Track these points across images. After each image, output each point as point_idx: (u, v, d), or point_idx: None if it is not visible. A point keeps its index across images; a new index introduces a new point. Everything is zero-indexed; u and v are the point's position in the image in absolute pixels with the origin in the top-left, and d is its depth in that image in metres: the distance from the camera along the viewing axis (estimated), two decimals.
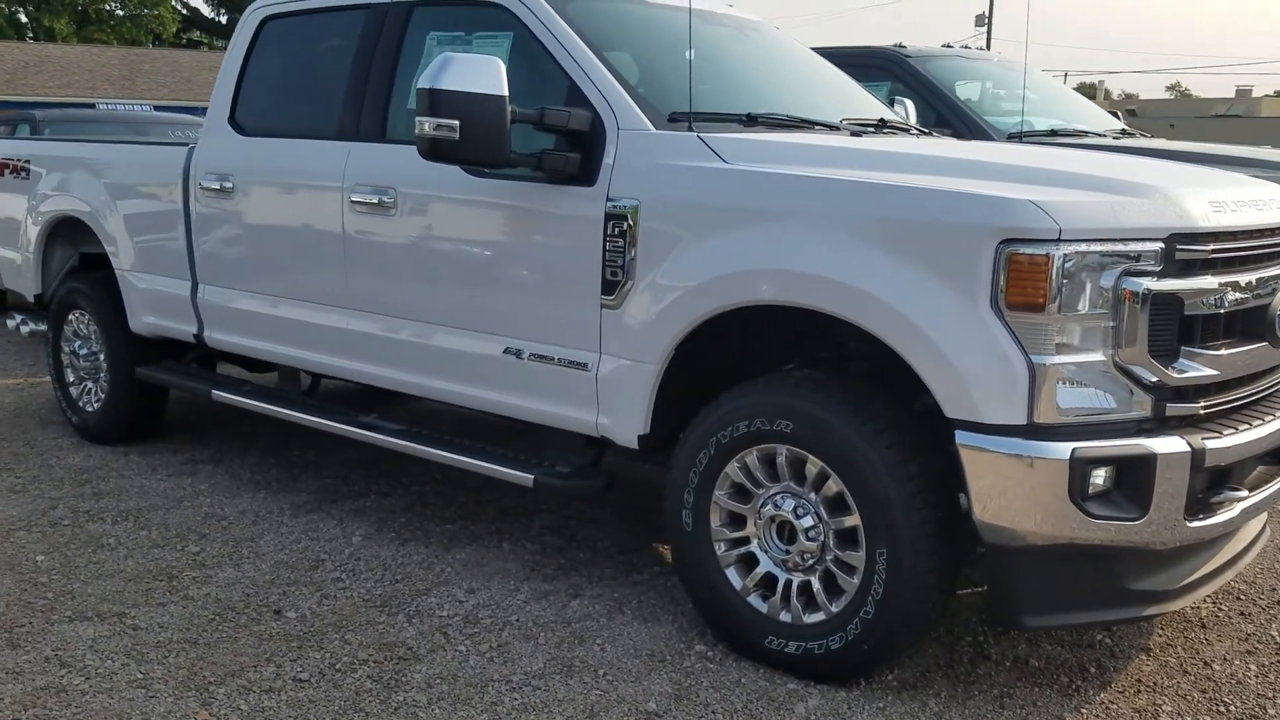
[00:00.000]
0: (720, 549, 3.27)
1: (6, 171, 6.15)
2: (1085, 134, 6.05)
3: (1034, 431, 2.67)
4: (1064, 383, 2.67)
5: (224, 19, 50.72)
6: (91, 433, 5.69)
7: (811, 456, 3.02)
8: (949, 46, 6.69)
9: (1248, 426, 2.90)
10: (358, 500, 4.84)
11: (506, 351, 3.74)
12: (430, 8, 4.07)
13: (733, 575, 3.26)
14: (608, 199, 3.39)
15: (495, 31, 3.84)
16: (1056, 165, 3.11)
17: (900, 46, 6.38)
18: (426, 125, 3.29)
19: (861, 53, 5.97)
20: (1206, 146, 5.80)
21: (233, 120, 4.69)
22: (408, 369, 4.09)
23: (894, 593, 2.88)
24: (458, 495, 4.89)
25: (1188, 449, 2.71)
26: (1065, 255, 2.63)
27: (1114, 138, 6.19)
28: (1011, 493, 2.68)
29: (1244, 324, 2.98)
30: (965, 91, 6.44)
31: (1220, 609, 3.69)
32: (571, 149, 3.47)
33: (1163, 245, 2.73)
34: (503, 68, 3.29)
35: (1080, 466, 2.63)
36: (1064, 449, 2.63)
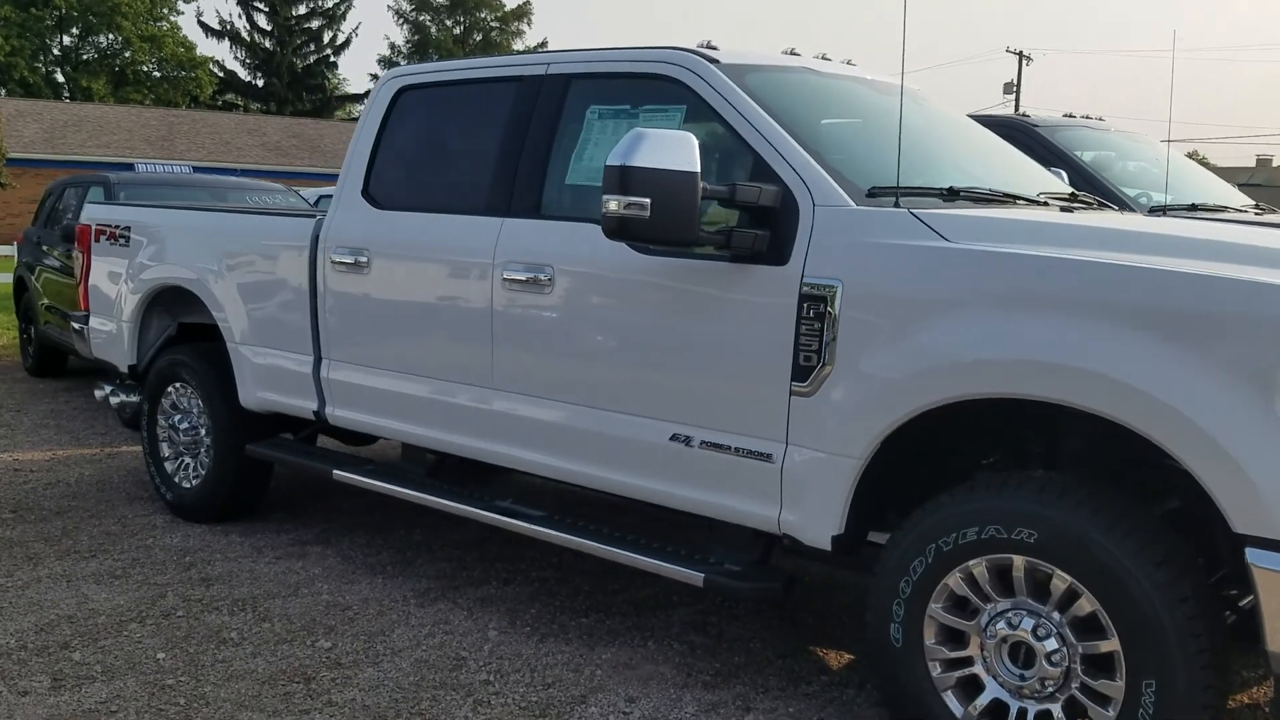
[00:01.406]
0: (936, 670, 2.92)
1: (103, 238, 5.95)
2: (1225, 209, 5.76)
3: None
4: None
5: (260, 82, 51.53)
6: (187, 510, 5.40)
7: (1059, 571, 2.68)
8: (1070, 116, 6.44)
9: None
10: (480, 587, 4.51)
11: (674, 439, 3.43)
12: (590, 80, 3.83)
13: (951, 700, 2.89)
14: (803, 279, 3.11)
15: (666, 104, 3.60)
16: None
17: (1024, 115, 6.13)
18: (614, 204, 3.04)
19: (988, 122, 5.71)
20: None
21: (366, 193, 4.45)
22: (556, 452, 3.78)
23: None
24: (581, 583, 4.56)
25: None
26: None
27: (1256, 212, 5.89)
28: None
29: None
30: (1094, 162, 6.18)
31: None
32: (759, 226, 3.21)
33: None
34: (695, 144, 3.04)
35: None
36: None
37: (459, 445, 4.13)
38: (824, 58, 4.11)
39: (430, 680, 3.58)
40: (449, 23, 54.24)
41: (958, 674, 2.89)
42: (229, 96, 52.61)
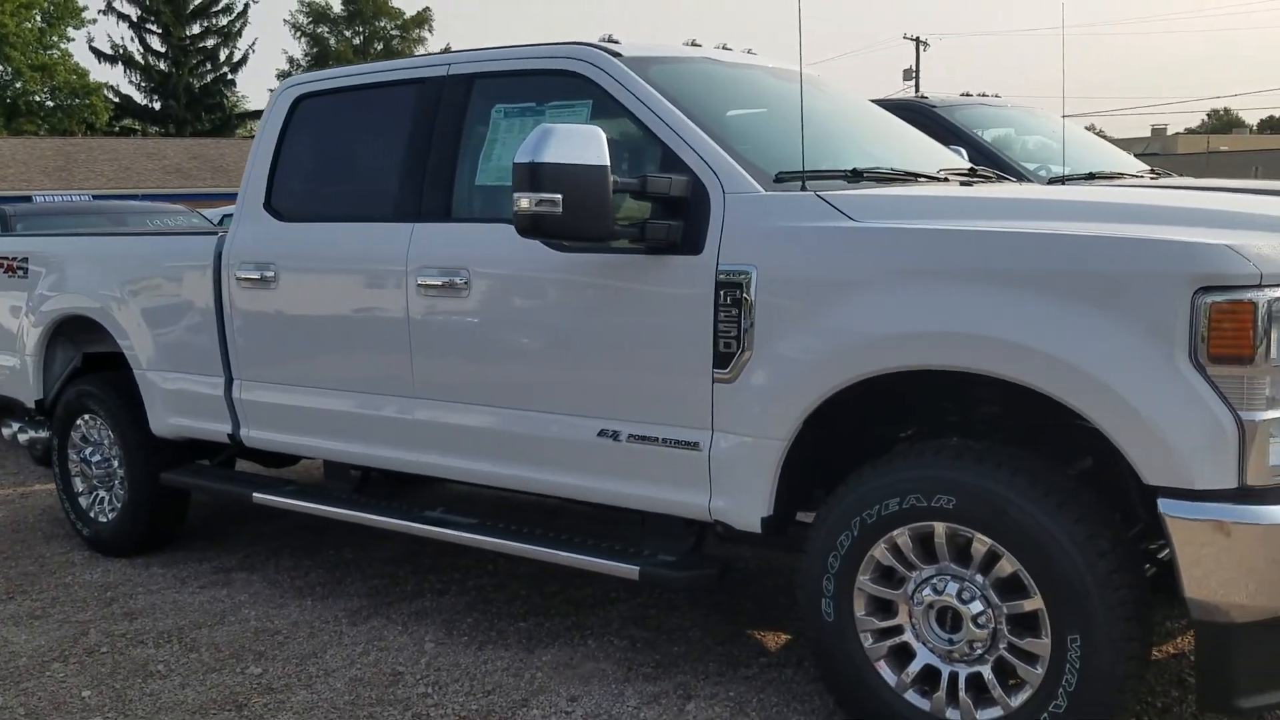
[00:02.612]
0: (868, 641, 2.96)
1: (0, 271, 5.73)
2: (1121, 176, 5.95)
3: (1245, 495, 2.42)
4: (1275, 439, 2.43)
5: (157, 105, 50.21)
6: (105, 545, 5.23)
7: (979, 535, 2.74)
8: (968, 95, 6.59)
9: None
10: (414, 601, 4.45)
11: (602, 434, 3.43)
12: (493, 79, 3.81)
13: (885, 670, 2.94)
14: (717, 267, 3.13)
15: (572, 100, 3.59)
16: (1223, 206, 2.92)
17: (923, 97, 6.26)
18: (525, 201, 3.03)
19: (888, 105, 5.82)
20: (1246, 183, 5.73)
21: (269, 206, 4.36)
22: (484, 457, 3.75)
23: (1092, 682, 2.59)
24: (518, 588, 4.53)
25: None
26: (1269, 301, 2.41)
27: (1150, 177, 6.10)
28: (1223, 564, 2.42)
29: None
30: (992, 138, 6.33)
31: None
32: (673, 217, 3.22)
33: None
34: (604, 137, 3.05)
35: None
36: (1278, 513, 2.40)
37: (382, 458, 4.07)
38: (724, 48, 4.15)
39: (366, 698, 3.52)
40: (348, 33, 53.50)
41: (889, 643, 2.94)
42: (126, 121, 51.14)
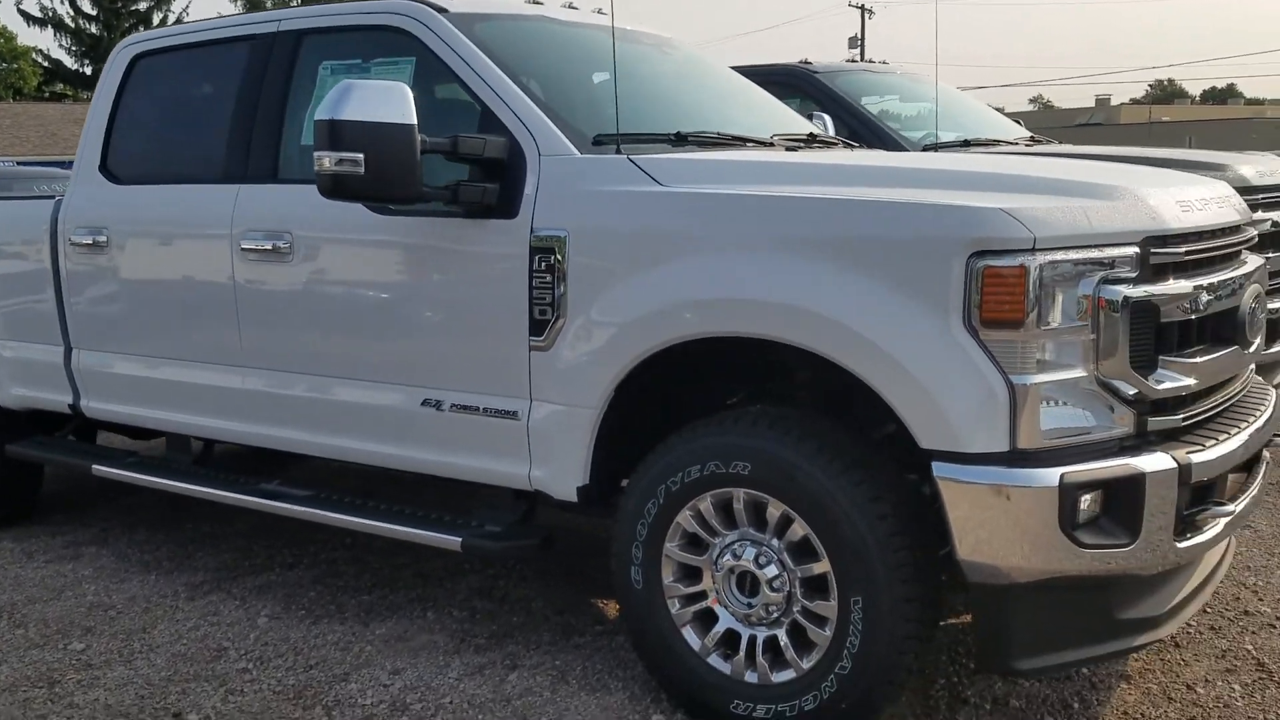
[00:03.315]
0: (675, 606, 2.98)
1: None
2: (998, 143, 6.01)
3: (1017, 458, 2.46)
4: (1046, 402, 2.46)
5: (88, 70, 48.81)
6: None
7: (773, 500, 2.76)
8: (854, 61, 6.61)
9: (1226, 436, 2.75)
10: (261, 575, 4.40)
11: (425, 404, 3.40)
12: (321, 35, 3.73)
13: (690, 635, 2.96)
14: (531, 231, 3.10)
15: (396, 57, 3.53)
16: (1015, 170, 2.94)
17: (806, 63, 6.26)
18: (327, 160, 2.96)
19: (767, 70, 5.81)
20: (1124, 149, 5.81)
21: (104, 168, 4.24)
22: (311, 428, 3.71)
23: (873, 644, 2.63)
24: (372, 561, 4.49)
25: (1174, 465, 2.53)
26: (1042, 265, 2.44)
27: (1026, 145, 6.16)
28: (997, 527, 2.46)
29: (1215, 328, 2.85)
30: (874, 105, 6.36)
31: (1190, 626, 3.55)
32: (489, 179, 3.18)
33: (1137, 249, 2.57)
34: (409, 94, 2.99)
35: (1070, 493, 2.42)
36: (1051, 475, 2.43)
37: (214, 429, 4.01)
38: (570, 6, 4.10)
39: (184, 674, 3.47)
40: None
41: (694, 608, 2.97)
42: (57, 86, 49.64)
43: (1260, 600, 3.73)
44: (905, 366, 2.50)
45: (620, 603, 3.11)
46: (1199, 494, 2.70)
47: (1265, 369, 5.33)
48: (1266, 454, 3.28)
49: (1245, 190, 5.22)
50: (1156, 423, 2.61)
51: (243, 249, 3.71)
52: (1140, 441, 2.60)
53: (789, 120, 4.15)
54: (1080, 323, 2.48)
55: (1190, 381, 2.66)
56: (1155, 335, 2.61)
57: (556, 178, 3.11)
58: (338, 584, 4.25)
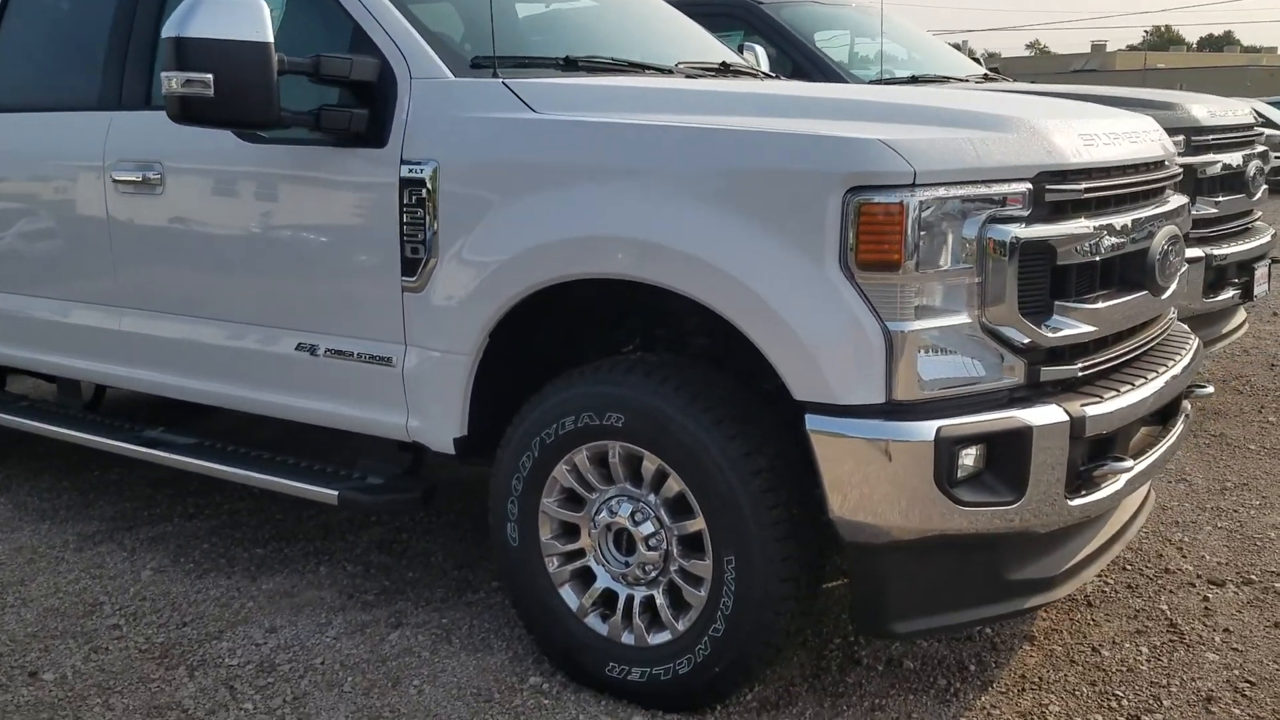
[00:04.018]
0: (553, 565, 2.87)
1: None
2: (948, 79, 5.83)
3: (894, 411, 2.34)
4: (926, 351, 2.34)
5: None
6: None
7: (648, 453, 2.64)
8: None
9: (1130, 387, 2.64)
10: (159, 525, 4.28)
11: (299, 348, 3.26)
12: None
13: (568, 594, 2.86)
14: (402, 161, 2.94)
15: None
16: (907, 100, 2.79)
17: None
18: (174, 81, 2.79)
19: (708, 2, 5.60)
20: (1076, 87, 5.66)
21: None
22: (186, 373, 3.58)
23: (746, 605, 2.53)
24: (274, 511, 4.37)
25: (1065, 418, 2.42)
26: (922, 202, 2.29)
27: (977, 82, 5.99)
28: (871, 483, 2.34)
29: (1121, 272, 2.72)
30: (824, 40, 6.17)
31: (1106, 583, 3.47)
32: (359, 105, 3.01)
33: (1030, 186, 2.42)
34: (266, 9, 2.80)
35: (947, 448, 2.30)
36: (928, 429, 2.30)
37: (92, 372, 3.88)
38: None
39: (51, 629, 3.36)
40: None
41: (572, 567, 2.86)
42: None
43: (1183, 558, 3.66)
44: (776, 310, 2.37)
45: (497, 561, 3.00)
46: (1099, 448, 2.60)
47: (1214, 318, 5.26)
48: (1187, 405, 3.18)
49: (1196, 131, 5.11)
50: (1051, 373, 2.49)
51: (114, 180, 3.55)
52: (1033, 393, 2.48)
53: (704, 48, 3.96)
54: (965, 265, 2.35)
55: (1089, 329, 2.54)
56: (1051, 279, 2.48)
57: (428, 103, 2.94)
58: (235, 536, 4.14)
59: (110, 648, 3.24)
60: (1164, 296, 2.85)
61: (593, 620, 2.83)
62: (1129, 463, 2.58)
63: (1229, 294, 5.21)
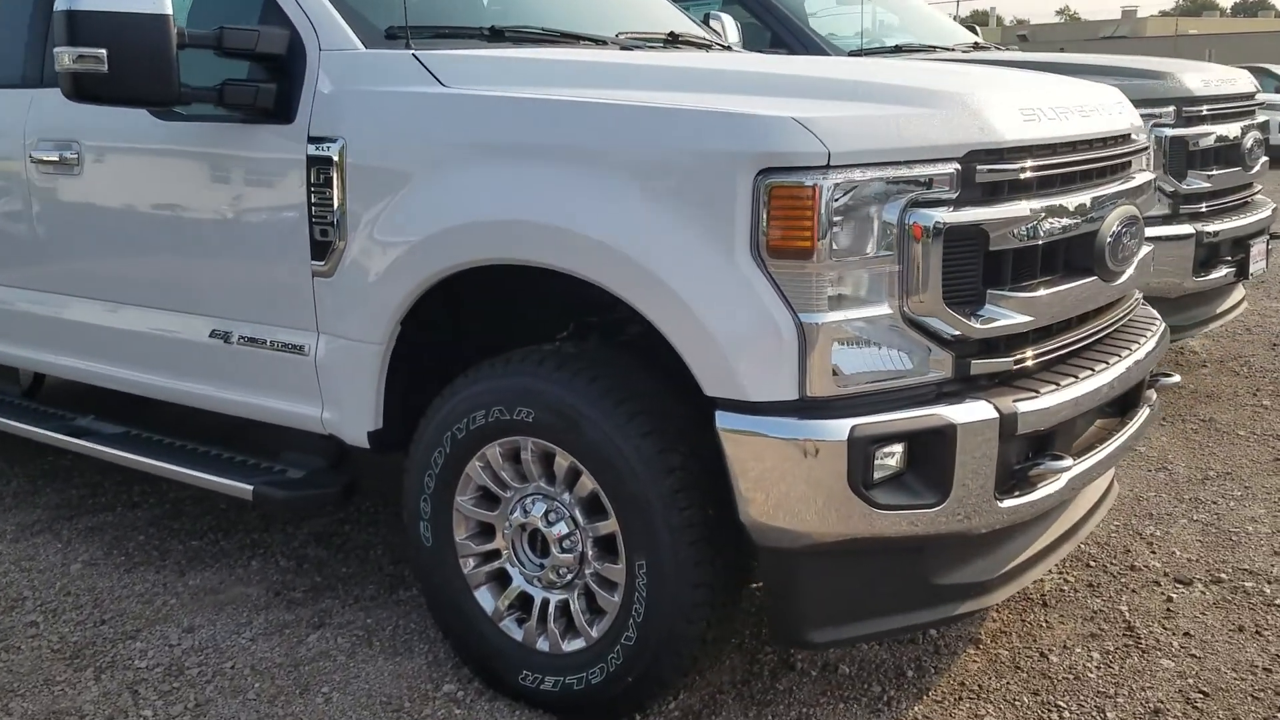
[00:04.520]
0: (468, 566, 2.77)
1: None
2: (934, 49, 5.65)
3: (807, 408, 2.21)
4: (843, 344, 2.21)
5: None
6: None
7: (560, 450, 2.52)
8: None
9: (1073, 380, 2.50)
10: (100, 515, 4.20)
11: (214, 335, 3.16)
12: None
13: (484, 597, 2.76)
14: (309, 139, 2.81)
15: None
16: (835, 75, 2.64)
17: None
18: (67, 57, 2.67)
19: None
20: (1062, 57, 5.47)
21: None
22: (110, 360, 3.49)
23: (657, 612, 2.42)
24: (218, 502, 4.28)
25: (994, 415, 2.28)
26: (837, 185, 2.16)
27: (964, 51, 5.81)
28: (783, 485, 2.22)
29: (1068, 256, 2.58)
30: (812, 7, 6.00)
31: (1067, 580, 3.35)
32: (269, 79, 2.89)
33: (959, 166, 2.28)
34: None
35: (861, 447, 2.18)
36: (841, 427, 2.18)
37: (20, 358, 3.81)
38: None
39: None
40: None
41: (488, 568, 2.76)
42: None
43: (1152, 553, 3.53)
44: (684, 301, 2.24)
45: (411, 561, 2.90)
46: (1036, 445, 2.47)
47: (1207, 297, 5.10)
48: (1152, 394, 3.04)
49: (1189, 101, 4.93)
50: (982, 365, 2.36)
51: (34, 159, 3.46)
52: (965, 387, 2.35)
53: (654, 18, 3.80)
54: (885, 253, 2.22)
55: (1025, 319, 2.40)
56: (985, 265, 2.34)
57: (336, 76, 2.82)
58: (173, 527, 4.06)
59: (23, 647, 3.16)
60: (1118, 282, 2.71)
61: (508, 625, 2.72)
62: (1067, 461, 2.45)
63: (1222, 272, 5.04)
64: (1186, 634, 3.00)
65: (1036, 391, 2.39)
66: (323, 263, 2.84)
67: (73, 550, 3.86)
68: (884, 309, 2.23)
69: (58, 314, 3.57)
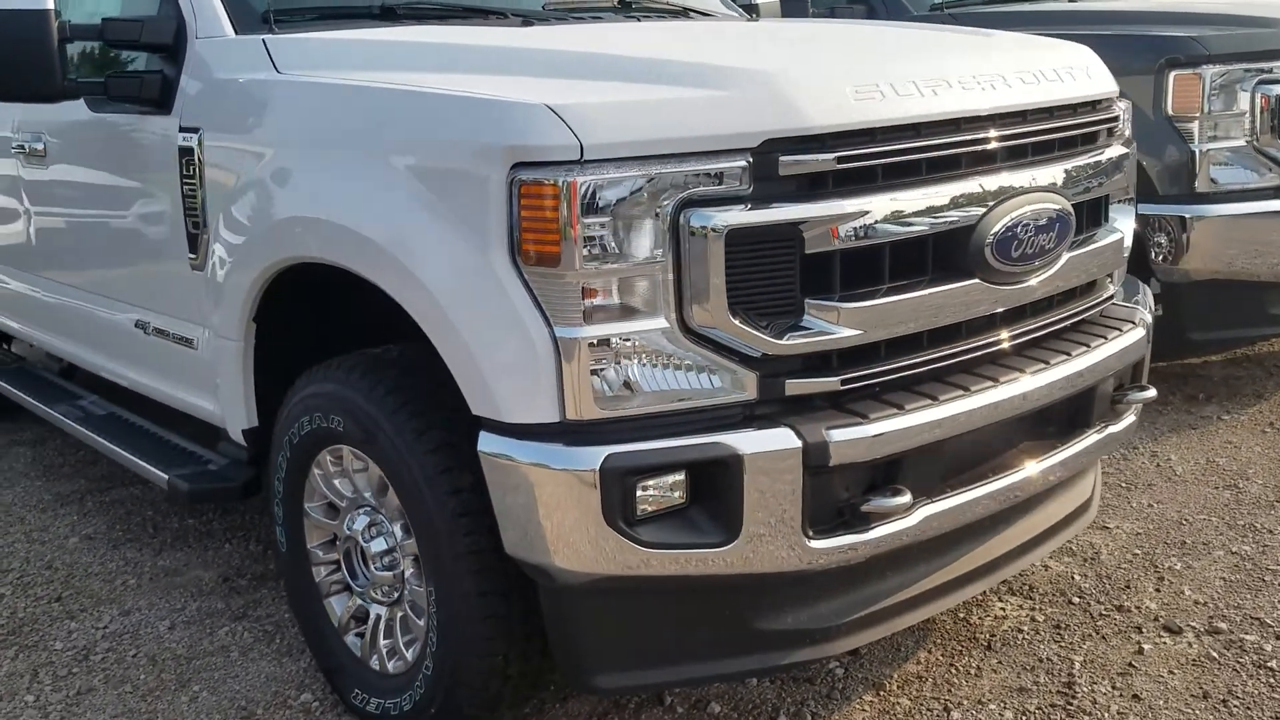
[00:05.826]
0: (320, 574, 2.73)
1: None
2: None
3: (568, 432, 2.02)
4: (611, 362, 1.99)
5: None
6: None
7: (372, 462, 2.43)
8: None
9: (929, 403, 2.17)
10: (128, 488, 4.44)
11: (137, 325, 3.27)
12: None
13: (333, 607, 2.71)
14: (180, 129, 2.82)
15: None
16: (646, 51, 2.38)
17: None
18: None
19: None
20: (1150, 3, 4.81)
21: None
22: (80, 344, 3.74)
23: (446, 643, 2.29)
24: None
25: (796, 444, 2.01)
26: (589, 183, 1.94)
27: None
28: (540, 517, 2.03)
29: (940, 257, 2.23)
30: None
31: (1034, 618, 2.94)
32: (160, 69, 2.91)
33: (751, 159, 2.00)
34: None
35: (616, 479, 1.96)
36: (593, 455, 1.97)
37: (19, 332, 4.14)
38: None
39: None
40: None
41: (334, 578, 2.70)
42: None
43: (1156, 591, 3.06)
44: (444, 309, 2.09)
45: (276, 566, 2.88)
46: (886, 476, 2.16)
47: None
48: (1126, 411, 2.64)
49: None
50: (800, 386, 2.08)
51: (16, 148, 3.70)
52: (782, 409, 2.08)
53: None
54: (656, 259, 1.98)
55: (852, 333, 2.09)
56: (802, 271, 2.06)
57: (204, 64, 2.81)
58: (180, 508, 4.23)
59: None
60: (1025, 285, 2.33)
61: (351, 639, 2.67)
62: (905, 499, 2.12)
63: None
64: (1135, 697, 2.58)
65: (865, 417, 2.09)
66: (195, 255, 2.85)
67: (82, 524, 4.09)
68: (659, 322, 2.00)
69: (42, 295, 3.89)
